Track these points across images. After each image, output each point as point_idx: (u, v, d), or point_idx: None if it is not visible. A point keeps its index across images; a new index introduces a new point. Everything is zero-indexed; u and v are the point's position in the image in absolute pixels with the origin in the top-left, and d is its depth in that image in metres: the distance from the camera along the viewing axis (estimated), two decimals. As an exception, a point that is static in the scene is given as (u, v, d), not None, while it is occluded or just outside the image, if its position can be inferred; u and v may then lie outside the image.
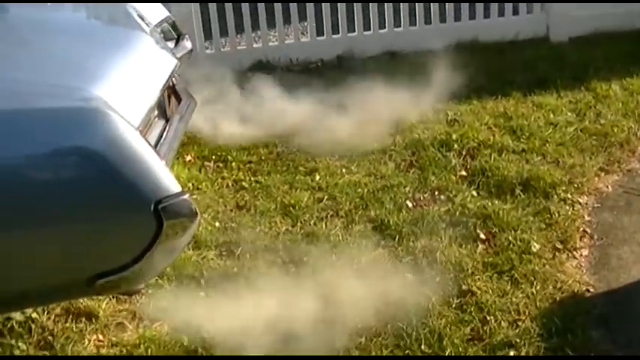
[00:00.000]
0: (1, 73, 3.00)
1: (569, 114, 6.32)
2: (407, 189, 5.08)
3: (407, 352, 3.60)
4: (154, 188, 2.77)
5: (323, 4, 8.14)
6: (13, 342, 3.72)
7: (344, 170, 5.43)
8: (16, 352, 3.67)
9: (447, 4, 8.45)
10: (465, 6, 8.50)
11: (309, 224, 4.71)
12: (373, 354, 3.60)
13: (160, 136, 3.75)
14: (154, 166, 2.80)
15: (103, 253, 2.89)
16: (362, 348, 3.63)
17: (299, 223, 4.72)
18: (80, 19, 4.16)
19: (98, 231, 2.82)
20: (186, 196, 2.84)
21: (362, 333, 3.70)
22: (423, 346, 3.61)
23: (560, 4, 8.55)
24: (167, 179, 2.81)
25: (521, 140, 5.77)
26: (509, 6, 8.64)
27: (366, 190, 5.09)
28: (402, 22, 8.41)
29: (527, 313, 3.82)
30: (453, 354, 3.59)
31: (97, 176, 2.72)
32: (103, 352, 3.68)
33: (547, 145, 5.67)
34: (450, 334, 3.68)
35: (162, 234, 2.80)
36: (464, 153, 5.57)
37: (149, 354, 3.63)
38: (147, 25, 4.21)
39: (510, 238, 4.44)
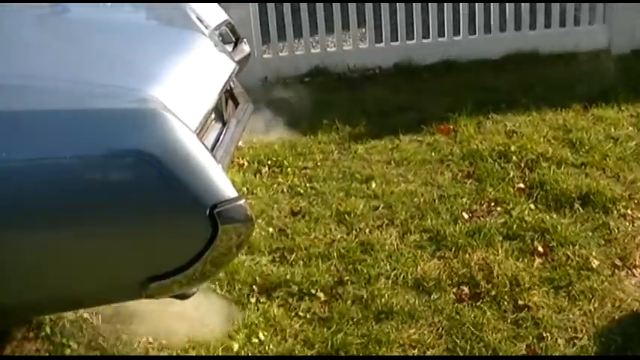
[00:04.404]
0: (60, 73, 3.00)
1: (630, 128, 6.19)
2: (463, 200, 5.02)
3: (460, 366, 3.55)
4: (210, 192, 2.75)
5: (382, 11, 8.09)
6: (64, 341, 3.74)
7: (400, 179, 5.39)
8: (67, 352, 3.69)
9: (507, 13, 8.37)
10: (525, 16, 8.41)
11: (364, 232, 4.66)
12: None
13: (217, 139, 3.73)
14: (210, 170, 2.77)
15: (157, 257, 2.88)
16: (415, 361, 3.58)
17: (354, 231, 4.68)
18: (139, 20, 4.16)
19: (152, 234, 2.81)
20: (242, 202, 2.81)
21: (415, 345, 3.66)
22: (477, 361, 3.56)
23: (623, 16, 8.42)
24: (223, 183, 2.79)
25: (581, 154, 5.66)
26: (570, 17, 8.53)
27: (422, 200, 5.03)
28: (461, 31, 8.34)
29: (584, 331, 3.73)
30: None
31: (153, 179, 2.70)
32: (153, 354, 3.66)
33: (607, 159, 5.55)
34: (505, 349, 3.60)
35: (216, 239, 2.78)
36: (522, 165, 5.48)
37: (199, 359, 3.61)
38: (205, 27, 4.20)
39: (568, 253, 4.34)
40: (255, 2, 7.89)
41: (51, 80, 2.90)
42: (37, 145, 2.67)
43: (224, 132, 3.85)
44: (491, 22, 8.37)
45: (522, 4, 8.36)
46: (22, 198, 2.66)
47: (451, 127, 6.27)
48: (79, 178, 2.70)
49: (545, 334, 3.70)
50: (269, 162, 5.75)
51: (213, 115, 3.80)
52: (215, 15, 4.62)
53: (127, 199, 2.74)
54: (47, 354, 3.68)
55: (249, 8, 7.77)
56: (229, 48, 4.60)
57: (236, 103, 4.34)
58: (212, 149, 3.56)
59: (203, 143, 2.89)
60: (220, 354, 3.63)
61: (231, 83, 4.30)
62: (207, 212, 2.73)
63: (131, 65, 3.29)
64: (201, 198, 2.73)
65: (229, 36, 4.77)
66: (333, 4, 8.03)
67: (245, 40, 4.93)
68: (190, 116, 3.01)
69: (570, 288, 4.05)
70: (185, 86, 3.27)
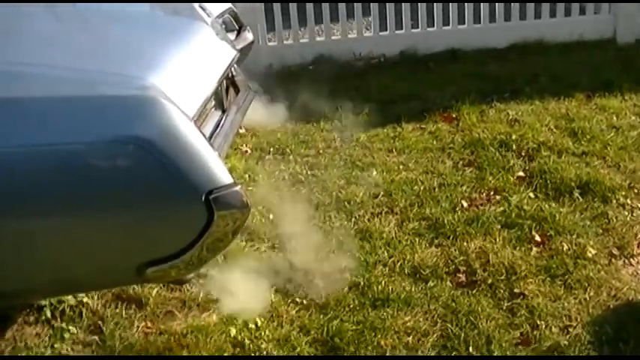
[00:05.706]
0: (60, 61, 3.03)
1: (632, 117, 6.22)
2: (463, 188, 5.04)
3: (454, 353, 3.56)
4: (205, 179, 2.78)
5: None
6: (64, 325, 3.77)
7: (401, 167, 5.42)
8: (66, 336, 3.71)
9: (512, 2, 8.38)
10: (530, 5, 8.43)
11: (364, 220, 4.69)
12: (420, 354, 3.56)
13: (216, 127, 3.76)
14: (206, 156, 2.81)
15: (154, 242, 2.91)
16: (409, 347, 3.60)
17: (353, 219, 4.71)
18: (142, 9, 4.18)
19: (149, 219, 2.83)
20: (237, 188, 2.84)
21: (410, 332, 3.68)
22: (470, 348, 3.57)
23: (628, 5, 8.42)
24: (219, 170, 2.82)
25: (582, 143, 5.68)
26: (575, 6, 8.55)
27: (422, 188, 5.06)
28: (466, 20, 8.36)
29: (579, 320, 3.74)
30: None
31: (150, 165, 2.73)
32: (151, 339, 3.69)
33: (608, 148, 5.58)
34: (498, 337, 3.62)
35: (212, 224, 2.81)
36: (523, 154, 5.50)
37: (196, 343, 3.63)
38: (208, 15, 4.23)
39: (566, 242, 4.36)
40: (262, 2, 7.91)
41: (51, 67, 2.93)
42: (36, 131, 2.70)
43: (223, 119, 3.88)
44: (497, 11, 8.39)
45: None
46: (20, 184, 2.69)
47: (454, 115, 6.29)
48: (78, 163, 2.73)
49: (539, 322, 3.72)
50: (272, 149, 5.79)
51: (212, 103, 3.83)
52: (219, 3, 4.64)
53: (124, 184, 2.77)
54: (47, 338, 3.71)
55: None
56: (232, 36, 4.62)
57: (237, 91, 4.37)
58: (211, 136, 3.59)
59: (200, 130, 2.92)
60: (217, 340, 3.66)
61: (233, 71, 4.32)
62: (203, 198, 2.76)
63: (131, 53, 3.32)
64: (197, 184, 2.77)
65: (233, 24, 4.80)
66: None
67: (248, 28, 4.97)
68: (188, 103, 3.04)
69: (566, 277, 4.06)
70: (184, 74, 3.29)
